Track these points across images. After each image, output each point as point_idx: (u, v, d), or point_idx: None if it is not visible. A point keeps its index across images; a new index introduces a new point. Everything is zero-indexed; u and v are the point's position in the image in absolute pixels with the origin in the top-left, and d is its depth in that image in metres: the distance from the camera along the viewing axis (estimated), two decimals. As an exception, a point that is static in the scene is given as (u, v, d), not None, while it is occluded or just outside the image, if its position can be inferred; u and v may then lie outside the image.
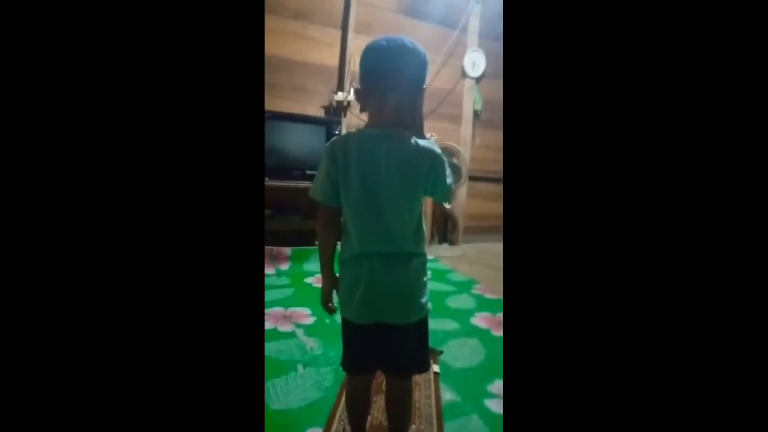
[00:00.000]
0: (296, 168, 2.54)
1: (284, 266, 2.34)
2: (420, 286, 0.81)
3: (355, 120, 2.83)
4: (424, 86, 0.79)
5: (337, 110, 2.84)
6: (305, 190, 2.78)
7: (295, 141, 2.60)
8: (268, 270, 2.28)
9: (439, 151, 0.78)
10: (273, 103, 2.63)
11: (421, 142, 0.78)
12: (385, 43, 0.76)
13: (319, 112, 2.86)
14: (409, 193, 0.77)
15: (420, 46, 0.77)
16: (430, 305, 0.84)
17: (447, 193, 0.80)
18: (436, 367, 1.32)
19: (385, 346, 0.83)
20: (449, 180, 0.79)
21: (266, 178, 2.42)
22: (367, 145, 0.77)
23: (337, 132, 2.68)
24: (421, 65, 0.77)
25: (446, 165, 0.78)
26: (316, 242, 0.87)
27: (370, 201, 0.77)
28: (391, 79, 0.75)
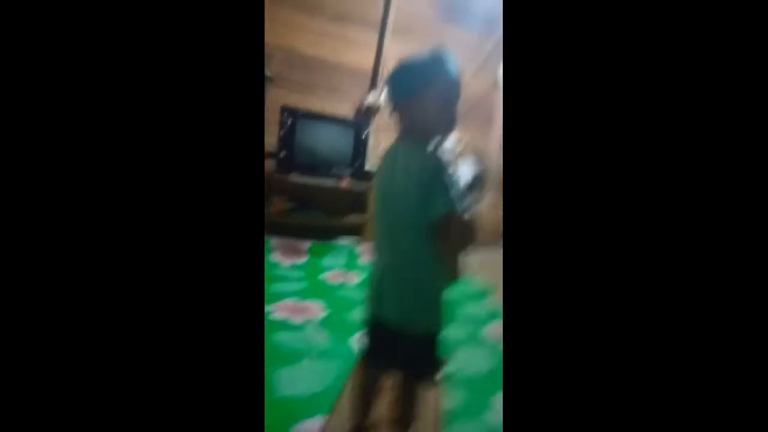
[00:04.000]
0: (323, 165, 2.60)
1: (301, 260, 2.40)
2: (425, 303, 0.82)
3: (383, 123, 2.86)
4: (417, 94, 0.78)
5: (368, 113, 2.88)
6: (329, 187, 2.78)
7: (324, 140, 2.66)
8: (285, 262, 2.34)
9: (440, 160, 0.76)
10: (306, 101, 2.70)
11: (429, 152, 0.78)
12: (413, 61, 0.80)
13: (351, 114, 2.91)
14: (408, 202, 0.77)
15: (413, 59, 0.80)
16: (441, 326, 0.85)
17: (436, 210, 0.73)
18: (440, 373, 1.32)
19: (388, 347, 0.86)
20: (444, 199, 0.74)
21: (291, 173, 2.49)
22: (386, 156, 0.86)
23: (365, 135, 2.72)
24: (410, 75, 0.79)
25: (446, 180, 0.74)
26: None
27: (381, 210, 0.84)
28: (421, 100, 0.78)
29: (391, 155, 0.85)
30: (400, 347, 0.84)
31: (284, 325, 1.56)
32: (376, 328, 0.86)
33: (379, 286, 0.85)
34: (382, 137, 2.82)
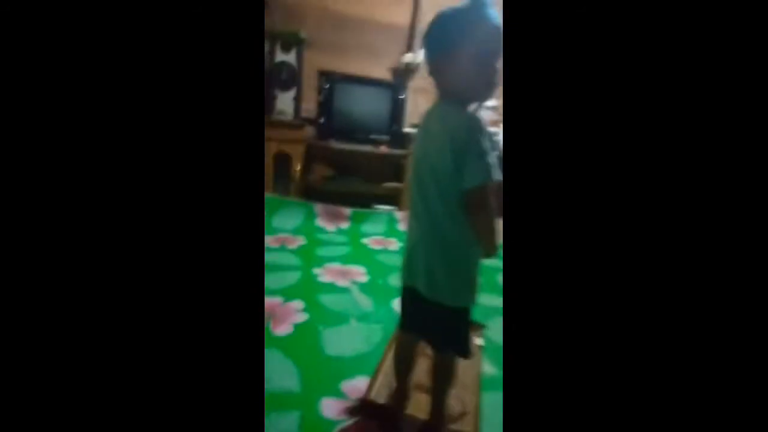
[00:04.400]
0: (360, 131, 2.59)
1: (343, 225, 2.48)
2: (455, 275, 0.80)
3: (421, 83, 2.75)
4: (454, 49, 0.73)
5: (405, 73, 2.77)
6: (367, 154, 2.77)
7: (360, 104, 2.61)
8: (329, 227, 2.43)
9: (478, 122, 0.71)
10: (339, 64, 2.64)
11: (465, 112, 0.75)
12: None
13: (387, 75, 2.82)
14: (441, 167, 0.73)
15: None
16: (472, 299, 0.83)
17: (470, 179, 0.70)
18: (479, 340, 1.37)
19: (421, 315, 0.87)
20: (480, 166, 0.69)
21: (331, 140, 2.51)
22: (424, 120, 0.83)
23: (402, 96, 2.64)
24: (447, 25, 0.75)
25: (483, 145, 0.69)
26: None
27: (415, 175, 0.82)
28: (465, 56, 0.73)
29: (428, 118, 0.82)
30: (430, 317, 0.84)
31: (330, 288, 1.66)
32: (409, 296, 0.88)
33: (411, 255, 0.85)
34: (420, 99, 2.73)
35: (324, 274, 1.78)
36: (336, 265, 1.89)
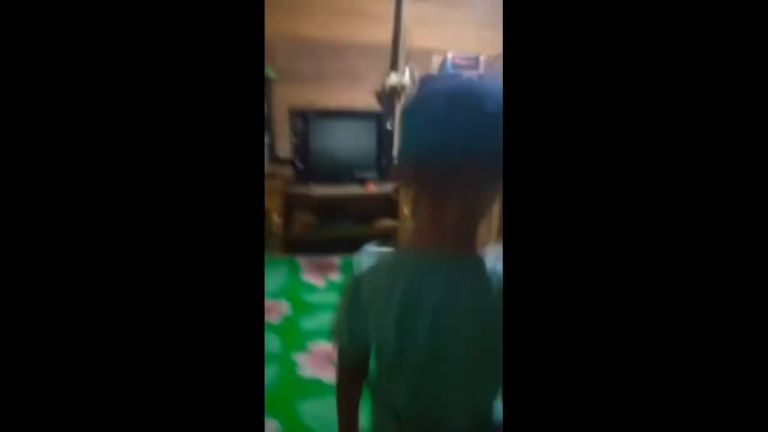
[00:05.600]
0: (344, 171, 2.33)
1: (334, 277, 2.23)
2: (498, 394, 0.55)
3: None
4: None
5: (390, 97, 2.49)
6: (354, 196, 2.51)
7: (341, 140, 2.34)
8: (318, 282, 2.18)
9: None
10: (318, 96, 2.37)
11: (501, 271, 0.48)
12: (444, 92, 0.46)
13: (371, 101, 2.53)
14: (486, 355, 0.48)
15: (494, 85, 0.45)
16: None
17: None
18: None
19: None
20: None
21: (312, 184, 2.25)
22: (417, 279, 0.51)
23: (389, 126, 2.36)
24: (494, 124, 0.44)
25: None
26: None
27: (421, 358, 0.52)
28: (459, 161, 0.45)
29: (430, 279, 0.51)
30: None
31: (315, 387, 1.39)
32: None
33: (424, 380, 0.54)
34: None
35: (307, 364, 1.51)
36: (323, 345, 1.62)
